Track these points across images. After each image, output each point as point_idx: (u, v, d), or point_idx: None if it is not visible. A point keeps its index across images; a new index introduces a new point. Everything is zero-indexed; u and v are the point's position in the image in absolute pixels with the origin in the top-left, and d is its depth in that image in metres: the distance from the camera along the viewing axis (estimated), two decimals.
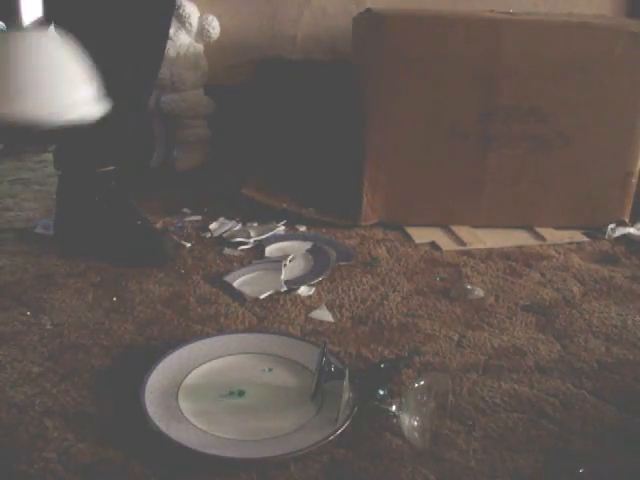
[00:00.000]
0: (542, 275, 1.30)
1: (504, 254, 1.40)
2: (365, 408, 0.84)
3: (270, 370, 0.93)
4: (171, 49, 1.82)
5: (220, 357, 0.96)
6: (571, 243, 1.47)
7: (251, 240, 1.40)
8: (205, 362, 0.94)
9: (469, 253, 1.40)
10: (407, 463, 0.77)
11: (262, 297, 1.16)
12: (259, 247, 1.38)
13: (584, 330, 1.09)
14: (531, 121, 1.45)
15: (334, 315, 1.12)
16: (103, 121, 0.94)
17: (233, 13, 1.95)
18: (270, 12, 1.96)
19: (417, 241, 1.46)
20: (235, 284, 1.20)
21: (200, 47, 1.89)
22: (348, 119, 1.63)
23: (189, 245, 1.39)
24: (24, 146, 2.16)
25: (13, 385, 0.90)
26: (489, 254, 1.40)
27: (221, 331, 1.05)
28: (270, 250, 1.36)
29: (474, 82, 1.42)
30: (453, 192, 1.51)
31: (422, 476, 0.75)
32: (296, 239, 1.43)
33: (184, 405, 0.85)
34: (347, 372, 0.82)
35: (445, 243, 1.44)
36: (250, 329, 1.06)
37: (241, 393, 0.88)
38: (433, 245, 1.44)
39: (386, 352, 1.00)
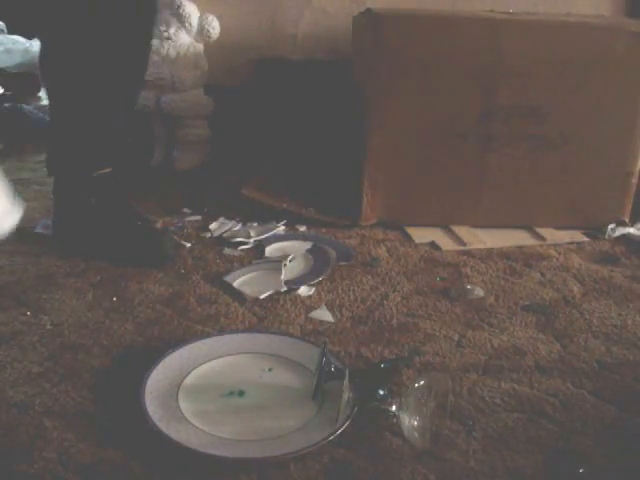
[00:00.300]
0: (542, 275, 1.30)
1: (504, 254, 1.40)
2: (365, 408, 0.84)
3: (270, 370, 0.93)
4: (171, 49, 1.82)
5: (220, 357, 0.95)
6: (571, 243, 1.47)
7: (251, 240, 1.40)
8: (205, 362, 0.94)
9: (469, 253, 1.40)
10: (407, 463, 0.77)
11: (262, 297, 1.16)
12: (259, 247, 1.38)
13: (584, 330, 1.09)
14: (531, 121, 1.45)
15: (334, 315, 1.12)
16: (92, 124, 0.92)
17: (233, 13, 1.95)
18: (270, 12, 1.96)
19: (417, 241, 1.46)
20: (235, 284, 1.20)
21: (200, 47, 1.89)
22: (348, 119, 1.63)
23: (189, 245, 1.39)
24: None
25: (13, 385, 0.90)
26: (489, 254, 1.39)
27: (221, 331, 1.05)
28: (270, 250, 1.36)
29: (474, 82, 1.42)
30: (453, 192, 1.51)
31: (422, 476, 0.75)
32: (296, 239, 1.43)
33: (184, 405, 0.85)
34: (347, 372, 0.82)
35: (445, 243, 1.44)
36: (250, 329, 1.06)
37: (241, 393, 0.88)
38: (433, 245, 1.44)
39: (386, 352, 1.00)
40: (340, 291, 1.20)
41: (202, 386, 0.89)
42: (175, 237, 1.41)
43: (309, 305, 1.15)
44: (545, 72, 1.42)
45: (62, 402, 0.86)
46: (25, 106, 2.42)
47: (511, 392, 0.91)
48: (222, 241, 1.41)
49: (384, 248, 1.41)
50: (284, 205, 1.54)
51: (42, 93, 3.44)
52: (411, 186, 1.51)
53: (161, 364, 0.91)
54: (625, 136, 1.47)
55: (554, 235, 1.50)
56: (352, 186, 1.52)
